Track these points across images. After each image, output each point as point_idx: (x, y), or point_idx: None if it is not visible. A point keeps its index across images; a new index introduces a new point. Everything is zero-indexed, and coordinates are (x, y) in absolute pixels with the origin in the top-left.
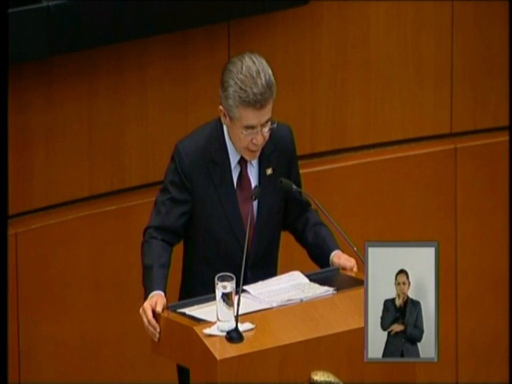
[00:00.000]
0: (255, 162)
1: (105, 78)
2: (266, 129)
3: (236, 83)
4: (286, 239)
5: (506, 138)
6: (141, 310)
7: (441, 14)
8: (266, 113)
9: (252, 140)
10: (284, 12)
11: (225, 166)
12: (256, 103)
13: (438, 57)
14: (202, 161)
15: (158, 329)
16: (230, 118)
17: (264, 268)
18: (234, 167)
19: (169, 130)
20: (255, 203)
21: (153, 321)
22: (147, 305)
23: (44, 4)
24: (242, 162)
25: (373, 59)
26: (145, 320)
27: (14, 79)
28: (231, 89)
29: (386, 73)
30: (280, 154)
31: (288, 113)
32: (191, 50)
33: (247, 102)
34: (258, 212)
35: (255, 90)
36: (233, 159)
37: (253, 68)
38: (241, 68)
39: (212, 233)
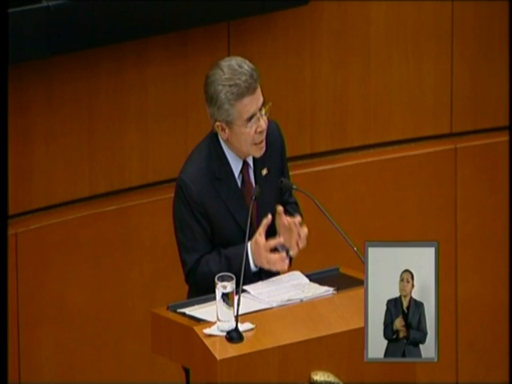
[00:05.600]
0: (251, 164)
1: (105, 78)
2: (264, 112)
3: (225, 85)
4: None
5: (506, 138)
6: (264, 260)
7: (441, 14)
8: (259, 96)
9: (256, 130)
10: (284, 12)
11: (230, 180)
12: (249, 88)
13: (438, 57)
14: (208, 182)
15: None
16: (230, 126)
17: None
18: (238, 177)
19: (169, 130)
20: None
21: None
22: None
23: (44, 4)
24: (244, 169)
25: (373, 59)
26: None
27: (14, 79)
28: (222, 95)
29: (386, 73)
30: (271, 151)
31: (288, 113)
32: (191, 50)
33: (241, 93)
34: (259, 213)
35: (243, 78)
36: (236, 170)
37: (233, 63)
38: (223, 71)
39: (228, 244)
